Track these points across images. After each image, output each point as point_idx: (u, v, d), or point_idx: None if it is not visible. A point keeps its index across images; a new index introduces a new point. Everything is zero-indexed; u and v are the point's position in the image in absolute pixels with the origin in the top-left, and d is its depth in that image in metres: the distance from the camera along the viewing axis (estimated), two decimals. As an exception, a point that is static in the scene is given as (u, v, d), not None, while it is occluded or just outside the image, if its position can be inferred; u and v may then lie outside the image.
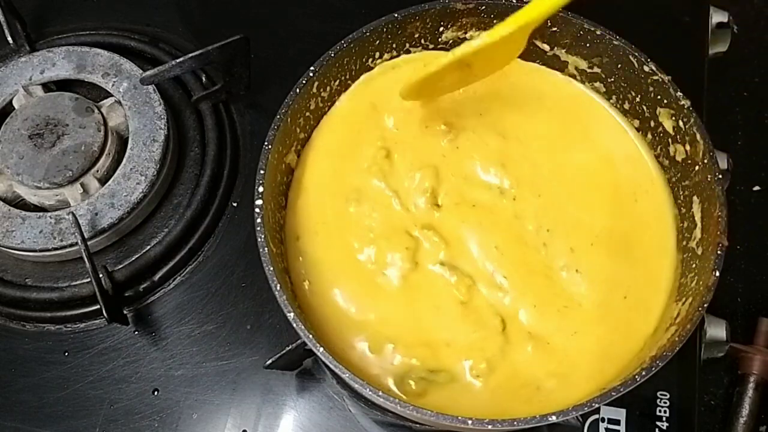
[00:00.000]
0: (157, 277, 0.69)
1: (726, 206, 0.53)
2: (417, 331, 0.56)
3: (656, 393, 0.63)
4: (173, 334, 0.67)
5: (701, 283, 0.52)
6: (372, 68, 0.64)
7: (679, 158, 0.59)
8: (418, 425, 0.60)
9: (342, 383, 0.62)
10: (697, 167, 0.57)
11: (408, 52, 0.64)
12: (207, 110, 0.75)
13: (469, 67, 0.58)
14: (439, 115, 0.63)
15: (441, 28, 0.63)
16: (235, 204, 0.73)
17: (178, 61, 0.70)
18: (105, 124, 0.70)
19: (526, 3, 0.59)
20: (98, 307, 0.65)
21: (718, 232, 0.52)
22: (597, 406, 0.48)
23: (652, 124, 0.61)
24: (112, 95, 0.73)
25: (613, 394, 0.48)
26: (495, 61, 0.60)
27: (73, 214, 0.66)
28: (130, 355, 0.66)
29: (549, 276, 0.58)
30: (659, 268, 0.58)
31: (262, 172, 0.54)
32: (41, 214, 0.68)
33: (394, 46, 0.63)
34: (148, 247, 0.69)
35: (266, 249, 0.52)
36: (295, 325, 0.50)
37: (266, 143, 0.55)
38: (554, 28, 0.61)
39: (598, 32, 0.60)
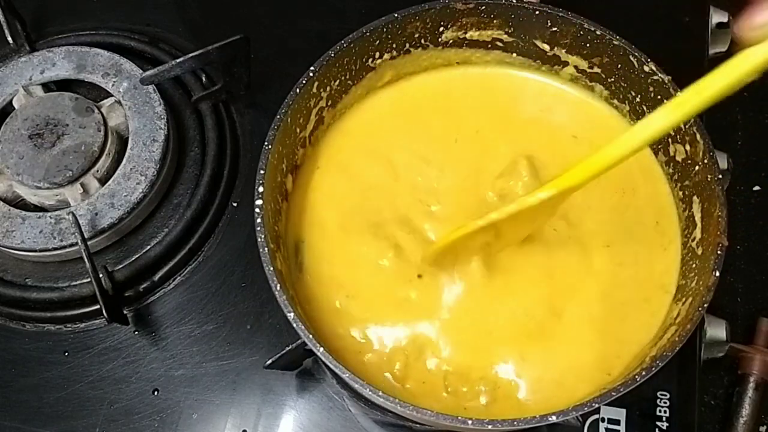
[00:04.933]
0: (157, 277, 0.69)
1: (726, 206, 0.53)
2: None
3: (656, 393, 0.63)
4: (173, 334, 0.67)
5: (701, 283, 0.52)
6: (373, 68, 0.64)
7: (679, 158, 0.59)
8: (418, 425, 0.60)
9: (342, 383, 0.62)
10: (697, 167, 0.57)
11: (408, 52, 0.64)
12: (207, 110, 0.75)
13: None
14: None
15: (441, 28, 0.63)
16: (235, 204, 0.73)
17: (178, 61, 0.70)
18: (105, 124, 0.70)
19: (531, 7, 0.60)
20: (98, 307, 0.64)
21: (718, 232, 0.52)
22: (597, 406, 0.48)
23: (652, 124, 0.61)
24: (112, 95, 0.73)
25: (613, 394, 0.48)
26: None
27: (73, 214, 0.66)
28: (130, 355, 0.66)
29: (549, 276, 0.58)
30: (660, 268, 0.58)
31: (262, 172, 0.54)
32: (41, 214, 0.68)
33: (394, 46, 0.63)
34: (148, 247, 0.69)
35: (266, 249, 0.52)
36: (295, 325, 0.50)
37: (266, 143, 0.55)
38: (554, 28, 0.61)
39: (598, 32, 0.60)
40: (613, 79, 0.62)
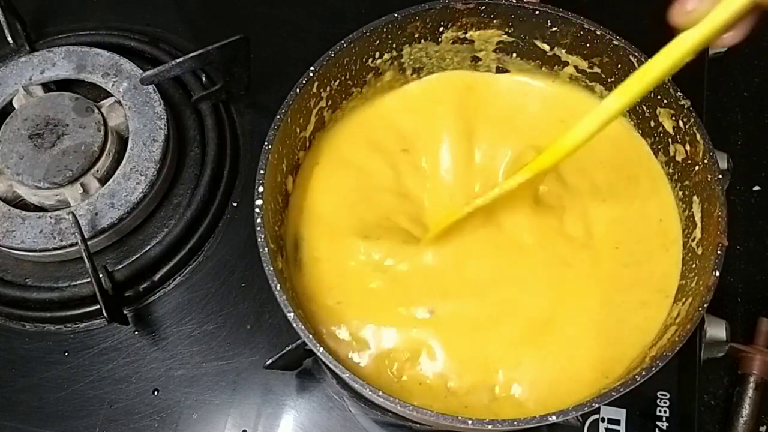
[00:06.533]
0: (157, 277, 0.69)
1: (726, 206, 0.53)
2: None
3: (656, 393, 0.63)
4: (173, 334, 0.67)
5: (701, 283, 0.52)
6: (373, 68, 0.64)
7: (679, 158, 0.59)
8: (418, 425, 0.60)
9: (342, 383, 0.62)
10: (697, 167, 0.57)
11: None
12: (207, 110, 0.75)
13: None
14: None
15: (441, 28, 0.63)
16: (235, 204, 0.73)
17: (178, 61, 0.70)
18: (105, 124, 0.70)
19: (531, 7, 0.59)
20: (98, 307, 0.65)
21: (718, 232, 0.52)
22: (597, 406, 0.48)
23: (652, 124, 0.61)
24: (112, 95, 0.73)
25: (613, 394, 0.48)
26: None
27: (73, 214, 0.66)
28: (130, 355, 0.66)
29: (550, 274, 0.58)
30: (660, 268, 0.58)
31: (262, 172, 0.54)
32: (41, 214, 0.68)
33: (394, 46, 0.63)
34: (148, 247, 0.69)
35: (266, 249, 0.51)
36: (295, 325, 0.50)
37: (266, 143, 0.55)
38: (554, 28, 0.61)
39: (598, 32, 0.60)
40: (613, 79, 0.62)
